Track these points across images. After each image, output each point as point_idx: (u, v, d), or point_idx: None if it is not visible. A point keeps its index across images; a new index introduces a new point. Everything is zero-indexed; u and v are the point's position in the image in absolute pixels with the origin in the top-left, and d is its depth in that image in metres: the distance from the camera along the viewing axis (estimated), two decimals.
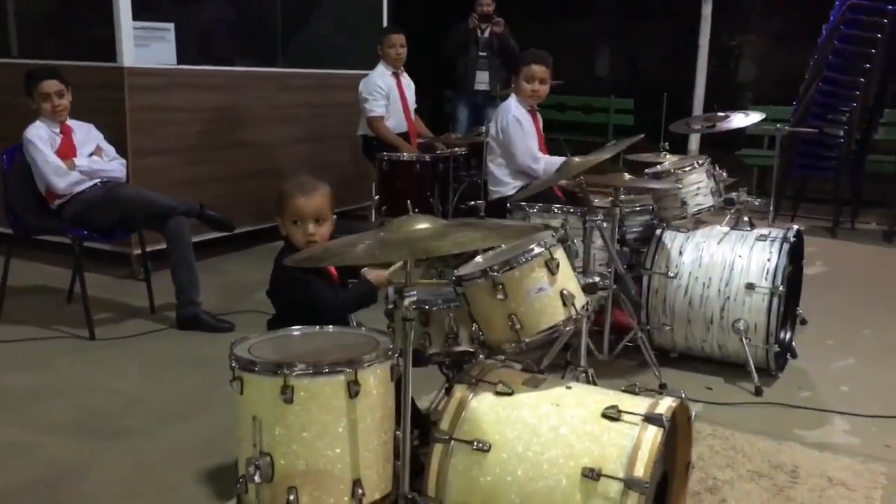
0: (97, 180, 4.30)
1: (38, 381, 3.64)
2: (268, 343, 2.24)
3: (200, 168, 5.55)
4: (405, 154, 5.46)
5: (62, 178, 4.19)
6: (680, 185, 3.87)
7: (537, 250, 2.18)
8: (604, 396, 2.19)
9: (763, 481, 2.88)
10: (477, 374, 2.26)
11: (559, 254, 2.23)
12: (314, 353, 2.17)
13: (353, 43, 6.87)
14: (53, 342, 4.12)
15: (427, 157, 5.40)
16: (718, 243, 3.84)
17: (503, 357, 2.37)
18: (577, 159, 2.70)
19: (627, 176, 3.62)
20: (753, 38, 10.78)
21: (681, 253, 3.85)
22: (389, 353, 2.14)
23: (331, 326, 2.35)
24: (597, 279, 2.41)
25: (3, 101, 5.24)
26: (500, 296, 2.18)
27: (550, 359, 3.49)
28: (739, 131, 4.81)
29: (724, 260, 3.77)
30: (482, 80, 7.17)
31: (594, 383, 2.64)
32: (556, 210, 3.87)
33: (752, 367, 3.68)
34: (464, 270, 2.29)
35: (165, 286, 4.51)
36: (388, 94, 5.79)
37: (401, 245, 1.79)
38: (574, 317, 2.22)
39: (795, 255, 3.90)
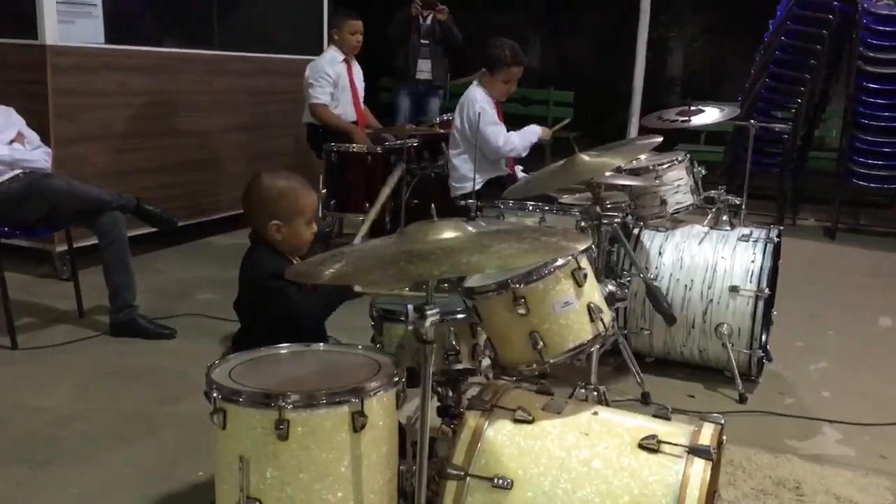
0: (18, 171, 3.84)
1: None
2: (251, 366, 1.92)
3: (129, 157, 5.11)
4: (355, 146, 5.13)
5: None
6: (659, 183, 3.68)
7: (563, 259, 1.92)
8: (636, 423, 1.94)
9: (770, 500, 2.71)
10: (490, 398, 1.99)
11: (585, 262, 1.97)
12: (309, 379, 1.87)
13: (292, 26, 6.49)
14: None
15: (378, 149, 5.08)
16: (699, 244, 3.66)
17: (514, 377, 2.10)
18: (585, 157, 2.44)
19: (608, 172, 3.42)
20: (690, 32, 10.78)
21: (660, 254, 3.66)
22: (395, 377, 1.86)
23: (321, 344, 2.05)
24: (612, 288, 2.17)
25: None
26: (521, 311, 1.91)
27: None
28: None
29: (707, 261, 3.60)
30: (424, 68, 6.88)
31: (607, 403, 2.41)
32: (530, 207, 3.63)
33: (737, 373, 3.52)
34: (474, 281, 2.01)
35: (94, 287, 4.10)
36: (336, 82, 5.45)
37: (435, 259, 1.49)
38: (602, 334, 1.97)
39: (775, 255, 3.76)
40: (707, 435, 1.87)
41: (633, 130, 8.62)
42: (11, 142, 3.90)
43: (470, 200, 2.46)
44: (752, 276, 3.52)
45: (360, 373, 1.86)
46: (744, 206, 4.19)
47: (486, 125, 4.11)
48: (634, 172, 3.74)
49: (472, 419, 1.95)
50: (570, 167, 2.48)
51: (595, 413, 1.97)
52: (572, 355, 1.97)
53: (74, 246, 4.27)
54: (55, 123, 4.61)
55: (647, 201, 3.74)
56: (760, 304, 3.49)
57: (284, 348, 2.00)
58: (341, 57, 5.53)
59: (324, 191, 5.13)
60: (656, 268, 3.63)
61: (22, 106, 4.16)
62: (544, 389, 2.08)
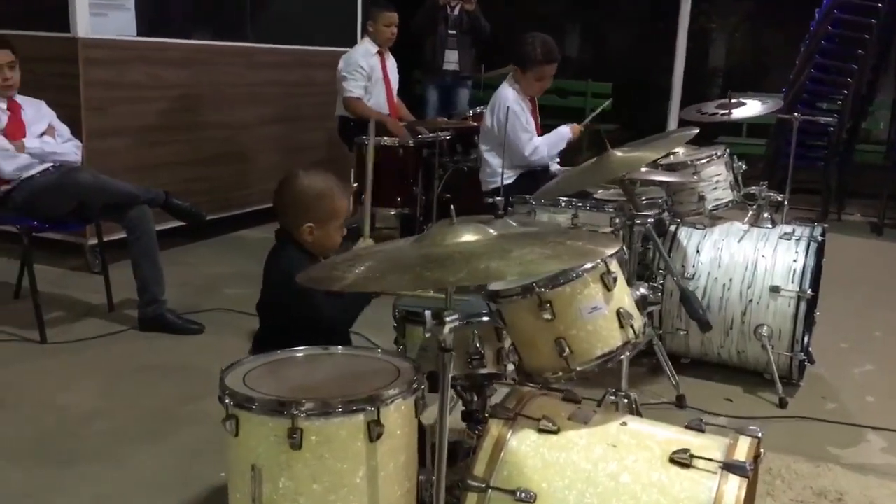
0: (49, 164, 3.84)
1: None
2: (266, 371, 1.85)
3: (161, 150, 5.09)
4: (386, 138, 5.06)
5: (9, 161, 3.71)
6: (697, 178, 3.55)
7: (592, 262, 1.83)
8: (667, 435, 1.85)
9: None
10: (514, 406, 1.91)
11: (615, 265, 1.88)
12: (325, 386, 1.80)
13: (327, 18, 6.43)
14: None
15: (410, 142, 5.01)
16: (739, 241, 3.53)
17: (540, 384, 2.01)
18: (618, 153, 2.34)
19: (643, 168, 3.31)
20: (732, 22, 10.53)
21: (698, 252, 3.54)
22: (414, 384, 1.79)
23: (339, 347, 1.98)
24: (644, 291, 2.07)
25: None
26: (546, 316, 1.82)
27: None
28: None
29: (747, 260, 3.47)
30: (451, 59, 6.79)
31: (638, 411, 2.31)
32: (563, 204, 3.54)
33: (777, 376, 3.39)
34: (498, 284, 1.92)
35: (124, 280, 4.07)
36: (370, 75, 5.39)
37: (453, 265, 1.41)
38: (632, 341, 1.87)
39: (818, 254, 3.61)
40: (743, 449, 1.77)
41: (673, 123, 8.46)
42: (42, 135, 3.90)
43: (498, 198, 2.37)
44: (794, 275, 3.38)
45: (377, 379, 1.79)
46: (786, 203, 4.05)
47: (516, 130, 4.00)
48: (671, 168, 3.62)
49: (494, 428, 1.87)
50: (603, 164, 2.38)
51: (624, 423, 1.88)
52: (600, 363, 1.88)
53: (107, 239, 4.27)
54: (87, 116, 4.60)
55: (685, 197, 3.62)
56: (803, 305, 3.35)
57: (301, 351, 1.94)
58: (375, 49, 5.47)
59: (355, 184, 5.07)
60: (693, 266, 3.51)
61: (54, 99, 4.16)
62: (571, 397, 1.99)
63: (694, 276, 3.50)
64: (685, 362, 3.68)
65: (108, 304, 4.16)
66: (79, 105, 4.56)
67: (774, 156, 7.05)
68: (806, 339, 3.70)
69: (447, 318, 1.56)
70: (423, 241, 1.57)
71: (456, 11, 6.65)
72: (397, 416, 1.74)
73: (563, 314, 1.83)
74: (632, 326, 1.87)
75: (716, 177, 3.59)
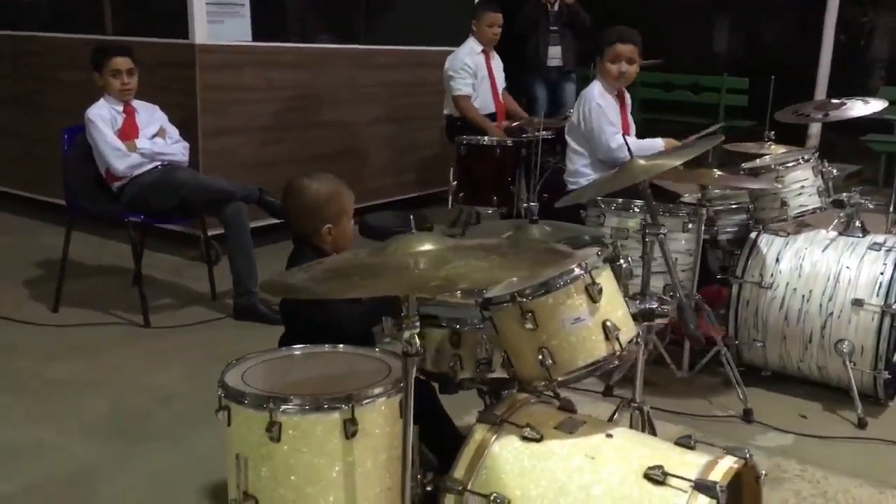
0: (157, 163, 4.16)
1: (82, 372, 3.52)
2: (265, 367, 1.98)
3: (274, 149, 5.36)
4: (486, 138, 5.11)
5: (121, 160, 4.06)
6: (780, 185, 3.40)
7: (577, 272, 1.83)
8: (650, 451, 1.82)
9: None
10: (503, 412, 1.94)
11: (604, 277, 1.86)
12: (314, 383, 1.90)
13: (440, 18, 6.54)
14: (107, 329, 4.01)
15: (509, 142, 5.04)
16: (823, 251, 3.36)
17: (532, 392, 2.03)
18: (641, 161, 2.30)
19: (717, 173, 3.21)
20: (886, 12, 9.83)
21: (778, 260, 3.39)
22: (400, 384, 1.85)
23: (341, 346, 2.07)
24: (653, 305, 2.04)
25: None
26: (529, 325, 1.84)
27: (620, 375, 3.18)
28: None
29: (829, 270, 3.29)
30: (555, 55, 6.74)
31: (650, 423, 2.27)
32: (635, 209, 3.48)
33: (856, 395, 3.21)
34: (493, 291, 1.95)
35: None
36: (475, 73, 5.47)
37: (387, 274, 1.47)
38: (618, 353, 1.85)
39: None
40: (721, 470, 1.73)
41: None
42: (153, 136, 4.22)
43: (532, 203, 2.37)
44: (879, 288, 3.18)
45: (365, 378, 1.87)
46: (891, 210, 3.78)
47: (601, 124, 3.94)
48: (754, 172, 3.47)
49: (479, 433, 1.91)
50: (626, 170, 2.35)
51: (609, 436, 1.87)
52: (584, 374, 1.87)
53: (214, 233, 4.56)
54: (203, 117, 4.91)
55: (767, 203, 3.47)
56: (887, 320, 3.15)
57: (299, 350, 2.05)
58: (479, 48, 5.54)
59: (454, 183, 5.16)
60: (772, 275, 3.37)
61: (172, 101, 4.49)
62: (566, 406, 2.00)
63: (772, 285, 3.36)
64: (765, 375, 3.54)
65: (211, 293, 4.45)
66: (195, 107, 4.88)
67: None
68: None
69: (406, 324, 1.61)
70: (381, 250, 1.63)
71: (556, 7, 6.61)
72: (376, 415, 1.81)
73: (545, 324, 1.84)
74: (618, 339, 1.85)
75: (801, 182, 3.41)
